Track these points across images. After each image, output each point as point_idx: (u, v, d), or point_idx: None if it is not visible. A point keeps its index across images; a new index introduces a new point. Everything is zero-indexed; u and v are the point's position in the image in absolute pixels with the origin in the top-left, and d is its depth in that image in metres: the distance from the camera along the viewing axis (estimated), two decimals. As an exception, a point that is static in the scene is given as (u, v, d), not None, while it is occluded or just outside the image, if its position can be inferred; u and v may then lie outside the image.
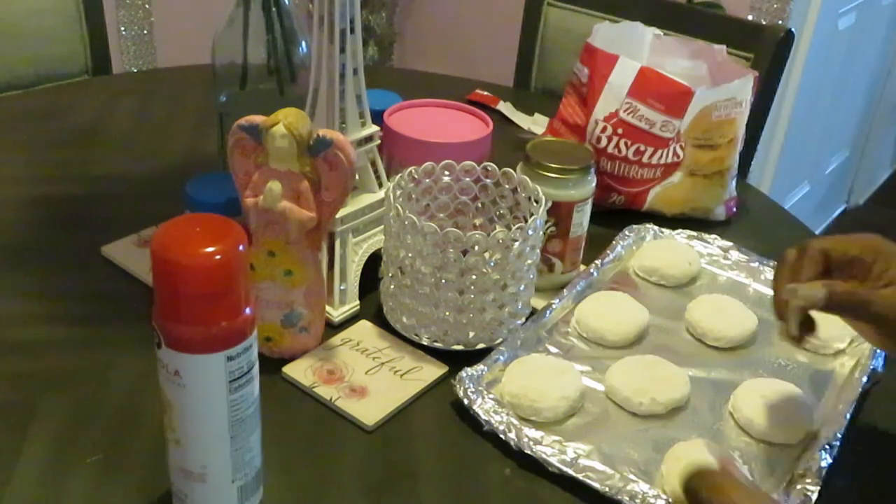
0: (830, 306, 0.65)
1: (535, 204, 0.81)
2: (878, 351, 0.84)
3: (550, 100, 1.29)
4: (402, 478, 0.70)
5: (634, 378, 0.77)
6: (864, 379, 0.80)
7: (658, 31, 1.11)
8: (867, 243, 0.68)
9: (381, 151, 0.88)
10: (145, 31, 2.29)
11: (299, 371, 0.78)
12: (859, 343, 0.86)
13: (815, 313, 0.68)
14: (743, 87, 1.03)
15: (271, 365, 0.78)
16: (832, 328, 0.86)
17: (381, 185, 0.88)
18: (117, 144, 1.16)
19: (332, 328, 0.84)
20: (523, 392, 0.74)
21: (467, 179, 0.86)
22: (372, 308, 0.87)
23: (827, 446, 0.71)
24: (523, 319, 0.83)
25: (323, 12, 0.78)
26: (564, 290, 0.89)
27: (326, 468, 0.70)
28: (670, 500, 0.66)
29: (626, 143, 1.02)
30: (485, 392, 0.75)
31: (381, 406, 0.75)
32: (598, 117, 1.02)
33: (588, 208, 0.91)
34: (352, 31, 0.79)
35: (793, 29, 1.30)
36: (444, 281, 0.77)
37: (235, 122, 0.75)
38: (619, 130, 1.01)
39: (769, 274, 0.95)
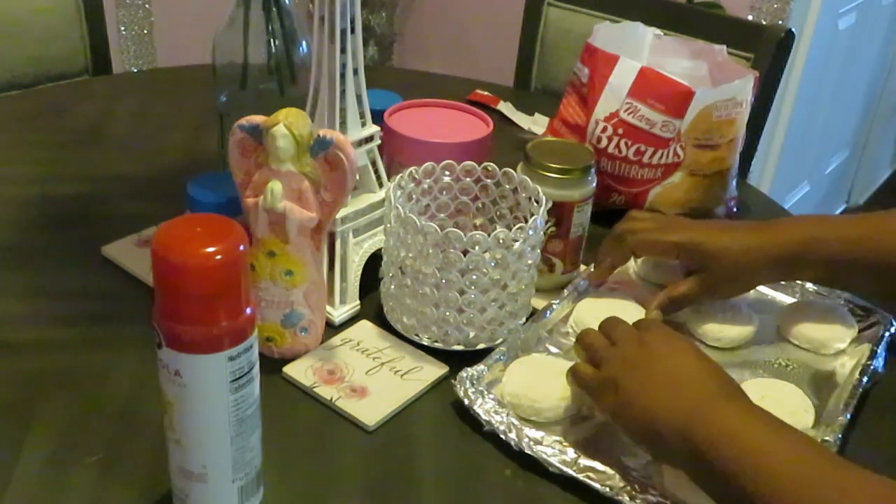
0: (668, 313, 0.85)
1: (535, 204, 0.81)
2: (879, 351, 0.84)
3: (550, 100, 1.29)
4: (402, 478, 0.70)
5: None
6: (864, 379, 0.80)
7: (658, 31, 1.11)
8: (666, 240, 0.85)
9: (382, 151, 0.88)
10: (145, 31, 2.29)
11: (300, 371, 0.78)
12: (859, 343, 0.86)
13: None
14: (743, 88, 1.03)
15: (272, 365, 0.78)
16: (833, 329, 0.86)
17: (381, 185, 0.88)
18: (117, 144, 1.16)
19: (333, 328, 0.84)
20: (524, 392, 0.74)
21: (468, 179, 0.86)
22: (372, 308, 0.87)
23: (827, 447, 0.71)
24: (524, 319, 0.83)
25: (323, 12, 0.78)
26: (565, 291, 0.89)
27: (326, 468, 0.70)
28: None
29: (626, 144, 1.01)
30: (485, 392, 0.75)
31: (381, 406, 0.75)
32: (598, 117, 1.02)
33: (588, 208, 0.91)
34: (352, 30, 0.79)
35: (793, 29, 1.30)
36: (444, 281, 0.77)
37: (236, 122, 0.75)
38: (620, 130, 1.01)
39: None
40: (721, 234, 0.84)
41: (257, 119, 0.74)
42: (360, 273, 0.86)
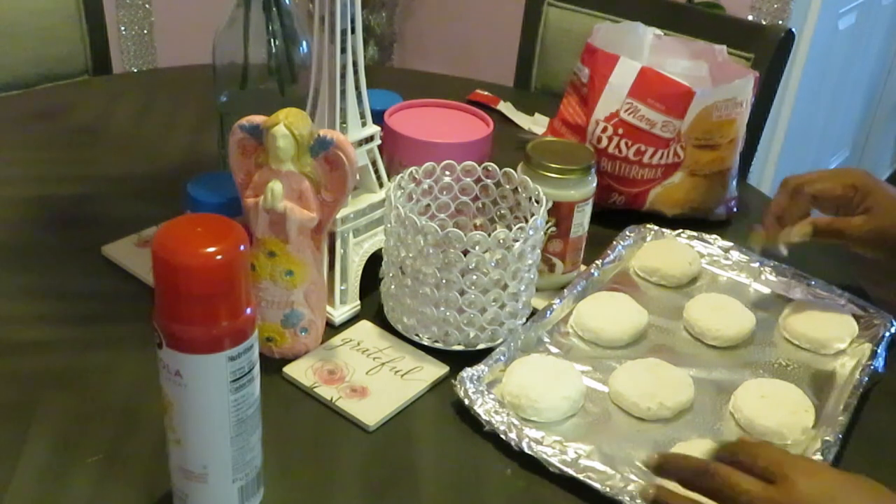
0: (816, 235, 0.86)
1: (535, 204, 0.81)
2: (879, 351, 0.84)
3: (551, 100, 1.29)
4: (403, 478, 0.70)
5: (639, 382, 0.77)
6: (864, 379, 0.80)
7: (658, 31, 1.11)
8: (847, 182, 0.87)
9: (382, 151, 0.88)
10: (145, 31, 2.29)
11: (300, 371, 0.78)
12: (859, 343, 0.86)
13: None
14: (743, 88, 1.03)
15: (272, 365, 0.78)
16: (833, 329, 0.86)
17: (381, 186, 0.88)
18: (117, 144, 1.16)
19: (333, 328, 0.84)
20: (524, 392, 0.74)
21: (468, 179, 0.86)
22: (372, 308, 0.87)
23: (827, 446, 0.71)
24: (524, 319, 0.83)
25: (324, 12, 0.78)
26: (565, 291, 0.89)
27: (327, 468, 0.70)
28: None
29: (626, 144, 1.01)
30: (485, 392, 0.75)
31: (381, 406, 0.75)
32: (598, 117, 1.02)
33: (588, 208, 0.91)
34: (352, 30, 0.79)
35: (793, 29, 1.30)
36: (444, 281, 0.77)
37: (236, 122, 0.75)
38: (620, 130, 1.01)
39: (769, 274, 0.95)
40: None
41: (257, 119, 0.74)
42: (360, 273, 0.86)
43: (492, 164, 0.86)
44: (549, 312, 0.86)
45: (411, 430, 0.75)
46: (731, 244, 0.98)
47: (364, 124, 0.85)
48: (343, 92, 0.81)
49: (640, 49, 1.09)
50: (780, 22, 2.09)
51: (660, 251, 0.96)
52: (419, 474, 0.71)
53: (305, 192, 0.74)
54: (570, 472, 0.69)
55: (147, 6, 2.27)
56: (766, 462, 0.58)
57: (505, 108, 1.34)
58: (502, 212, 0.87)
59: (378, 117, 0.90)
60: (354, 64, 0.81)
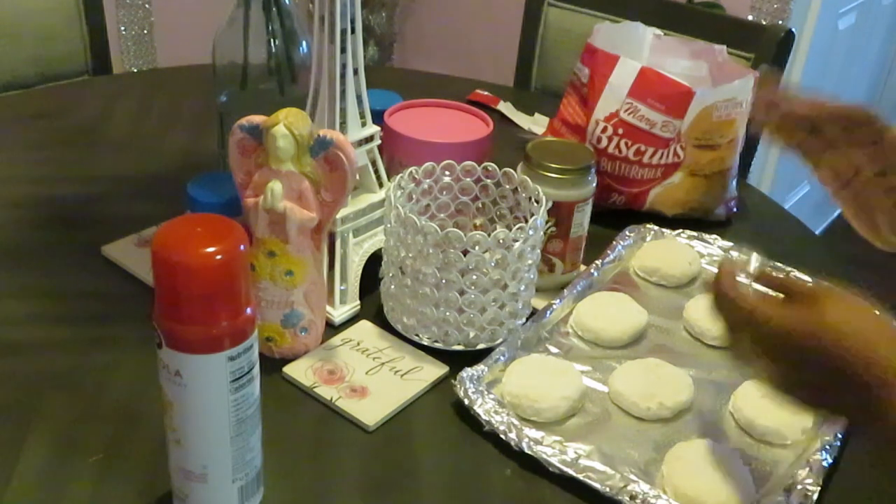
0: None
1: (535, 204, 0.81)
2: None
3: (550, 100, 1.29)
4: (402, 478, 0.70)
5: (639, 382, 0.77)
6: (865, 379, 0.80)
7: (658, 31, 1.11)
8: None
9: (382, 151, 0.88)
10: (145, 31, 2.29)
11: (300, 371, 0.78)
12: (860, 343, 0.86)
13: None
14: (743, 88, 1.03)
15: (272, 365, 0.78)
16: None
17: (381, 186, 0.88)
18: (117, 144, 1.16)
19: (333, 328, 0.84)
20: (524, 392, 0.74)
21: (468, 179, 0.86)
22: (372, 308, 0.87)
23: (827, 446, 0.71)
24: (524, 319, 0.83)
25: (323, 12, 0.78)
26: (565, 291, 0.89)
27: (327, 468, 0.70)
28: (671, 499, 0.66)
29: (626, 144, 1.01)
30: (485, 392, 0.75)
31: (381, 406, 0.75)
32: (598, 117, 1.02)
33: (588, 208, 0.91)
34: (352, 30, 0.79)
35: (793, 29, 1.30)
36: (444, 281, 0.77)
37: (236, 122, 0.75)
38: (620, 130, 1.01)
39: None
40: None
41: (257, 119, 0.74)
42: (360, 273, 0.86)
43: (492, 164, 0.86)
44: (549, 312, 0.86)
45: (411, 430, 0.75)
46: (731, 244, 0.98)
47: (364, 124, 0.85)
48: (343, 92, 0.81)
49: (640, 49, 1.09)
50: (780, 22, 2.09)
51: (660, 251, 0.96)
52: (419, 474, 0.71)
53: (305, 192, 0.74)
54: (570, 472, 0.69)
55: (147, 6, 2.27)
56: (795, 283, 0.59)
57: (505, 108, 1.34)
58: (502, 212, 0.87)
59: (378, 117, 0.90)
60: (354, 64, 0.81)
